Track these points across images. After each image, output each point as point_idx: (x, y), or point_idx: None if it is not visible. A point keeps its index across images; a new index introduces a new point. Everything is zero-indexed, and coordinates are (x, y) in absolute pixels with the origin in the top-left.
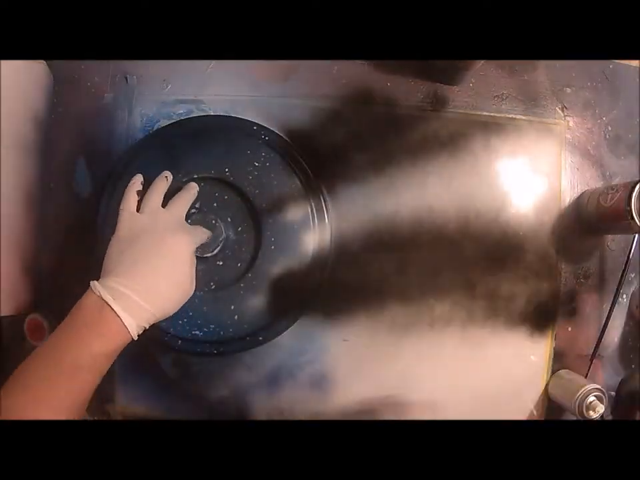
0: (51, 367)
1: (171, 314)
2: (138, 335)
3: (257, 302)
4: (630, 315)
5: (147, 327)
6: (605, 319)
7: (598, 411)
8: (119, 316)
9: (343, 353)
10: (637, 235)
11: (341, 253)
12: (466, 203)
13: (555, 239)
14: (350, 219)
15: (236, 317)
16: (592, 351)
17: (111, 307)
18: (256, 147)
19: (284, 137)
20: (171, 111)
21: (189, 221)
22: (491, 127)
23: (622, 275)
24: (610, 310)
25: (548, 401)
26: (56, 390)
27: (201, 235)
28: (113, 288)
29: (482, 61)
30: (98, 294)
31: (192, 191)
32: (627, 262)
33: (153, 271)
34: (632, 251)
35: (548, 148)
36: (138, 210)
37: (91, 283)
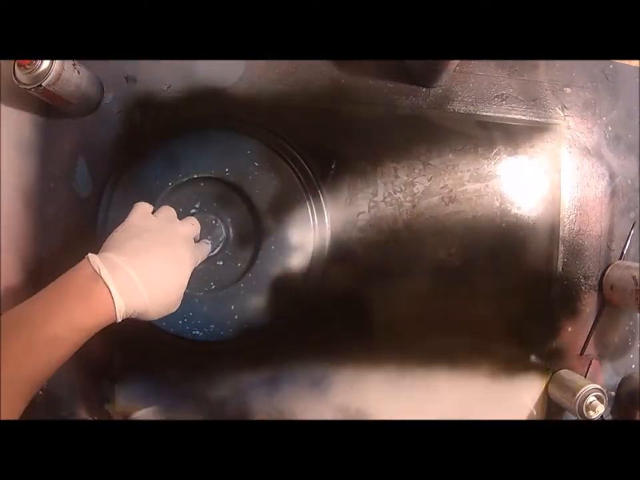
0: (23, 335)
1: (154, 316)
2: (120, 320)
3: (256, 302)
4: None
5: (130, 316)
6: (595, 316)
7: (598, 410)
8: (111, 294)
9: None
10: (632, 230)
11: (340, 253)
12: (466, 202)
13: (555, 238)
14: (349, 219)
15: (236, 316)
16: (593, 351)
17: (106, 283)
18: (256, 147)
19: (284, 136)
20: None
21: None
22: (491, 127)
23: None
24: (601, 308)
25: (548, 401)
26: (26, 359)
27: (204, 254)
28: (114, 263)
29: (457, 62)
30: (95, 268)
31: (196, 224)
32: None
33: (157, 262)
34: (626, 246)
35: (548, 148)
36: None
37: (90, 255)
